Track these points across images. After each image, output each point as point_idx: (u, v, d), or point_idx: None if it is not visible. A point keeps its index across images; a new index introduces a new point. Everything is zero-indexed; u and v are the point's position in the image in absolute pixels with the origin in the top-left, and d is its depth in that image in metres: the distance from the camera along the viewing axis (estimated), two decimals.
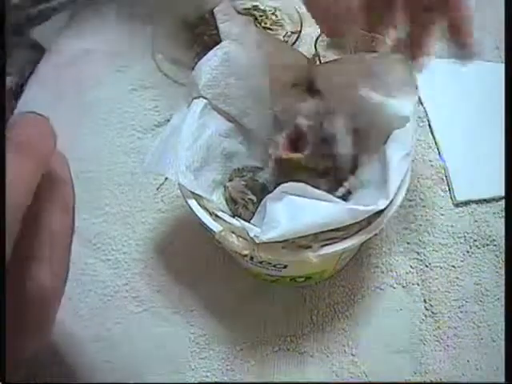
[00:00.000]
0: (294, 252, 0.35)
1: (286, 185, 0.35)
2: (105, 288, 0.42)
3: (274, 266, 0.37)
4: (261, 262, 0.37)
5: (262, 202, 0.36)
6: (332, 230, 0.34)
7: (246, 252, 0.35)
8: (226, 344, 0.40)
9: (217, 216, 0.37)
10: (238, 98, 0.42)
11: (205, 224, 0.36)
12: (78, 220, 0.44)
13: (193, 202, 0.37)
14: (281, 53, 0.44)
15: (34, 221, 0.25)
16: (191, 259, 0.44)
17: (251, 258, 0.36)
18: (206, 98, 0.40)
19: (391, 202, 0.35)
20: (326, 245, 0.35)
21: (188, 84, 0.41)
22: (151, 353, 0.40)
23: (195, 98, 0.40)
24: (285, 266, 0.37)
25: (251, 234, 0.34)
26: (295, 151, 0.39)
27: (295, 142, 0.39)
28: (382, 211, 0.35)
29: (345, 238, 0.35)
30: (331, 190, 0.37)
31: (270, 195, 0.35)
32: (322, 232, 0.34)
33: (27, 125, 0.24)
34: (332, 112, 0.40)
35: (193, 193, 0.37)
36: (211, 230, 0.36)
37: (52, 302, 0.29)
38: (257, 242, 0.33)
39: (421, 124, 0.53)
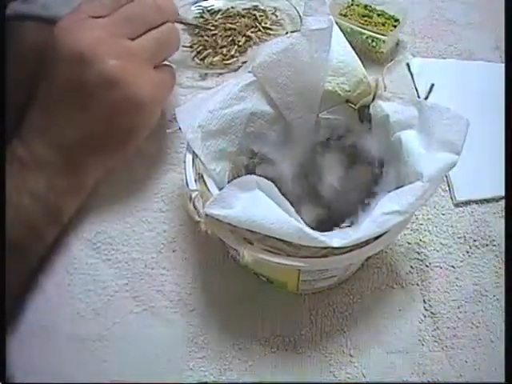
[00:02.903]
0: (235, 240, 0.35)
1: (258, 178, 0.35)
2: (105, 288, 0.43)
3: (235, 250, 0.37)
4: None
5: (229, 183, 0.36)
6: (282, 241, 0.34)
7: (197, 219, 0.36)
8: (225, 344, 0.40)
9: (201, 177, 0.38)
10: (287, 90, 0.42)
11: (186, 178, 0.38)
12: (78, 220, 0.45)
13: (189, 157, 0.39)
14: (345, 67, 0.43)
15: None
16: (191, 259, 0.44)
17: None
18: (256, 76, 0.42)
19: (344, 247, 0.34)
20: (269, 251, 0.35)
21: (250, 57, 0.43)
22: (150, 352, 0.40)
23: (248, 72, 0.42)
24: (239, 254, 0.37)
25: (206, 204, 0.34)
26: None
27: None
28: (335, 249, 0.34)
29: (289, 256, 0.34)
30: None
31: (241, 178, 0.35)
32: (271, 237, 0.34)
33: None
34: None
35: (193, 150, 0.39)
36: (187, 185, 0.38)
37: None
38: (204, 212, 0.34)
39: None
